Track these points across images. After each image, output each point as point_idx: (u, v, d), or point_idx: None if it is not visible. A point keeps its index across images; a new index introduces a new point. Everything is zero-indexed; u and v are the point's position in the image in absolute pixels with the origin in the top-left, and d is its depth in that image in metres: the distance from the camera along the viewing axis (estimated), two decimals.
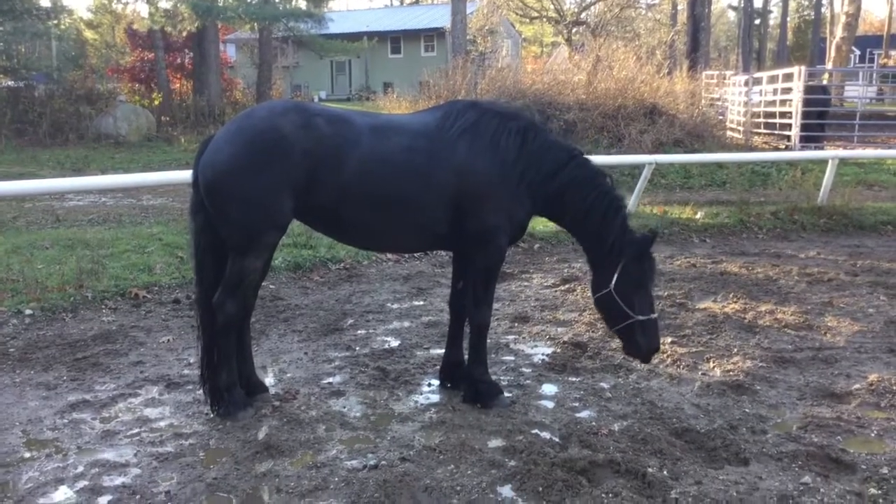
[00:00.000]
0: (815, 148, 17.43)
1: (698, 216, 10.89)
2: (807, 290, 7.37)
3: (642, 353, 4.50)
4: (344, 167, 4.12)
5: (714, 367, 5.28)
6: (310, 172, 4.09)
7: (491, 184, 4.30)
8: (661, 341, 5.73)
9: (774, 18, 63.77)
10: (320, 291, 7.37)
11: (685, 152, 16.14)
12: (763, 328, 6.13)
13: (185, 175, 6.95)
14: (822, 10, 58.46)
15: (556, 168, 4.43)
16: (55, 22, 26.45)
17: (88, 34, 52.05)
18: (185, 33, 24.90)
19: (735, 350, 5.60)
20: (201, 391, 4.54)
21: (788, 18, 58.60)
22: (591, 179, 4.48)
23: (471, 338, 4.64)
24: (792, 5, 63.18)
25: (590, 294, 6.96)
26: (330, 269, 8.10)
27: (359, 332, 6.11)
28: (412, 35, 43.54)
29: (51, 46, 31.99)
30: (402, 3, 69.02)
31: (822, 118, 18.87)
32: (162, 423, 4.35)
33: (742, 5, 54.87)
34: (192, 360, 5.34)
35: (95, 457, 3.94)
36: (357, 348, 5.69)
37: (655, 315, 4.47)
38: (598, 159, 13.68)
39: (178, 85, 28.47)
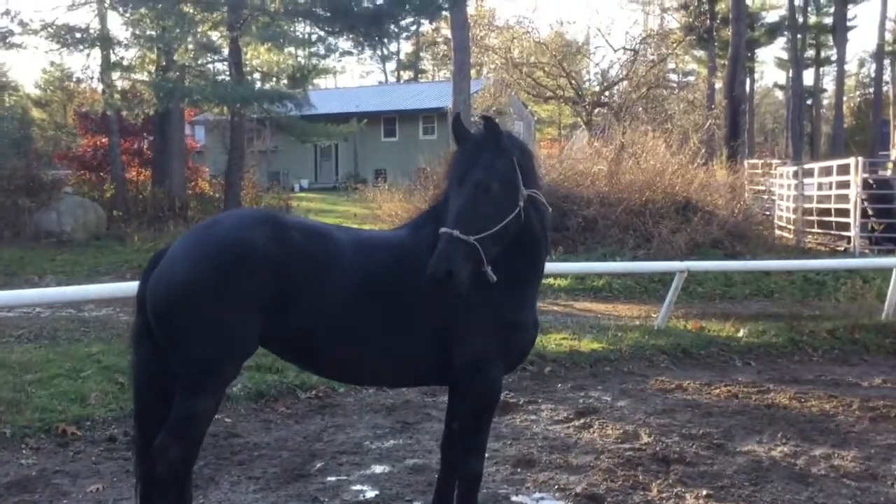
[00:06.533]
0: (879, 252, 17.61)
1: (741, 333, 10.89)
2: (870, 430, 7.28)
3: None
4: (324, 288, 4.21)
5: None
6: (283, 293, 4.16)
7: (469, 297, 4.17)
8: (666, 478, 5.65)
9: (828, 98, 65.35)
10: (285, 426, 7.32)
11: (725, 255, 16.37)
12: (817, 478, 6.04)
13: (130, 288, 7.06)
14: (884, 88, 59.90)
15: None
16: None
17: (36, 113, 53.74)
18: (142, 117, 25.63)
19: None
20: None
21: (845, 98, 59.82)
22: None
23: (459, 491, 4.59)
24: (849, 83, 64.76)
25: (609, 432, 7.05)
26: (299, 399, 8.06)
27: (328, 478, 6.03)
28: (409, 116, 44.95)
29: None
30: (398, 80, 71.75)
31: (887, 217, 19.16)
32: None
33: (790, 84, 56.60)
34: None
35: None
36: (325, 500, 5.60)
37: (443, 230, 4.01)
38: (620, 266, 14.10)
39: (134, 173, 28.96)
